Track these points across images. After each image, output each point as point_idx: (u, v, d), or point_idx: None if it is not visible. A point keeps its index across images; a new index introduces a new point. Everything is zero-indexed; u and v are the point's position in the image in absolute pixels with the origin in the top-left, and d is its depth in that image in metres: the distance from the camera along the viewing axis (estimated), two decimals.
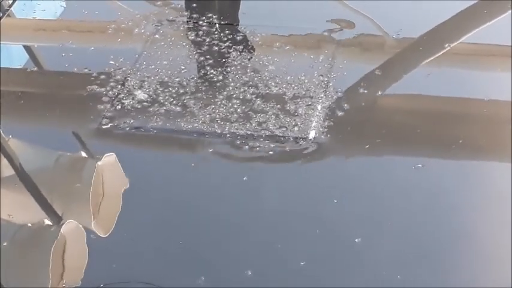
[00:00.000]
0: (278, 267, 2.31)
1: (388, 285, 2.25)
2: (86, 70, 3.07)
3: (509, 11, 3.30)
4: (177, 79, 2.97)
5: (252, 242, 2.38)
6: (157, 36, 3.22)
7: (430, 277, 2.27)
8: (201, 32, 3.21)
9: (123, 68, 3.03)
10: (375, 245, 2.35)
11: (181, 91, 2.91)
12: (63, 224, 2.42)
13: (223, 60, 3.05)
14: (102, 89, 2.93)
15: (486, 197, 2.53)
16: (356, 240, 2.36)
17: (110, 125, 2.79)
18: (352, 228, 2.41)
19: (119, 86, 2.94)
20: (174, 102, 2.86)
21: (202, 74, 2.99)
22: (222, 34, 3.19)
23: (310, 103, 2.83)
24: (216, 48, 3.11)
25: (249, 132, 2.72)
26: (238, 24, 3.27)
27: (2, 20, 3.39)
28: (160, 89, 2.92)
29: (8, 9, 3.46)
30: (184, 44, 3.17)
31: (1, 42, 3.27)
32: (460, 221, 2.45)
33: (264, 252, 2.35)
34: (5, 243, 2.38)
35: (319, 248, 2.36)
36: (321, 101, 2.84)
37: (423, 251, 2.34)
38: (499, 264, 2.30)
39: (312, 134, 2.72)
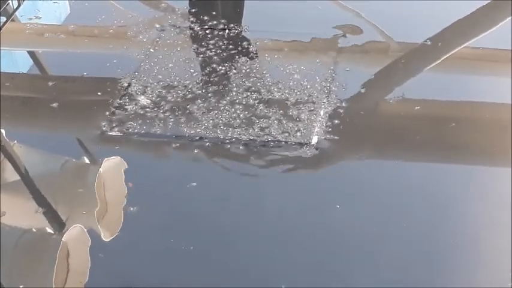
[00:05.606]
0: (281, 272, 2.31)
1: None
2: (90, 75, 3.09)
3: (510, 17, 3.31)
4: (180, 85, 2.98)
5: (254, 246, 2.39)
6: (160, 41, 3.23)
7: (432, 278, 2.27)
8: (203, 37, 3.22)
9: (126, 74, 3.04)
10: (378, 250, 2.36)
11: (184, 96, 2.92)
12: (67, 229, 2.44)
13: (226, 65, 3.06)
14: (106, 95, 2.94)
15: (487, 200, 2.54)
16: (359, 245, 2.37)
17: (113, 130, 2.80)
18: (355, 233, 2.42)
19: (122, 92, 2.95)
20: (177, 107, 2.87)
21: (205, 80, 2.99)
22: (224, 39, 3.20)
23: (312, 108, 2.84)
24: (219, 53, 3.12)
25: (251, 138, 2.73)
26: (241, 30, 3.28)
27: (5, 25, 3.40)
28: (163, 95, 2.93)
29: (12, 14, 3.47)
30: (186, 49, 3.18)
31: (5, 47, 3.28)
32: (461, 223, 2.45)
33: (266, 256, 2.36)
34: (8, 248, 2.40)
35: (321, 253, 2.36)
36: (323, 106, 2.85)
37: (425, 252, 2.35)
38: (499, 265, 2.31)
39: (314, 139, 2.72)
